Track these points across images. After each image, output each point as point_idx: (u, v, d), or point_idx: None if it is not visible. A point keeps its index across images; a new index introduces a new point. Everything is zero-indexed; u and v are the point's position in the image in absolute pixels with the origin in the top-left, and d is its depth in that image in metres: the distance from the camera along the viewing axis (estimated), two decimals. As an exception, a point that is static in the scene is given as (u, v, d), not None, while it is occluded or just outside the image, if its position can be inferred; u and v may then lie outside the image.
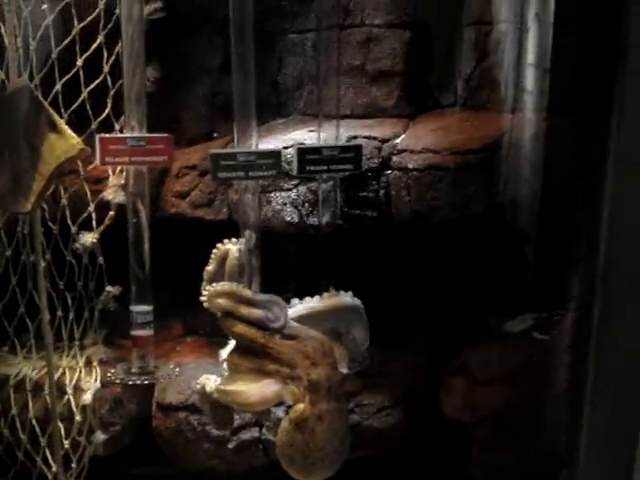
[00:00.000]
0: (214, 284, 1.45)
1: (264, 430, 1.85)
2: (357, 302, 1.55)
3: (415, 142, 1.74)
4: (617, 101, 1.76)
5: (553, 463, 1.90)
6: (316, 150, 1.53)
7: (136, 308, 1.63)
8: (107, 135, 1.56)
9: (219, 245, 1.51)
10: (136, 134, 1.52)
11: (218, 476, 1.95)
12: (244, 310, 1.44)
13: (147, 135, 1.54)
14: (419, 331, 1.93)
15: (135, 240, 1.59)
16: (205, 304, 1.46)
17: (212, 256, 1.50)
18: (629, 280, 1.75)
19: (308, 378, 1.43)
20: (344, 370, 1.49)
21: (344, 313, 1.53)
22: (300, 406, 1.42)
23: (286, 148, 1.63)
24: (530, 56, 1.80)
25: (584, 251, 1.84)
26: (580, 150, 1.81)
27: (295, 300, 1.51)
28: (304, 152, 1.51)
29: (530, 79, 1.80)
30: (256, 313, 1.43)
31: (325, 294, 1.53)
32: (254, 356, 1.45)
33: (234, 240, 1.52)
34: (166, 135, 1.54)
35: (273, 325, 1.44)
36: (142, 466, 1.99)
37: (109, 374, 1.75)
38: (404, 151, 1.73)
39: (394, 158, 1.73)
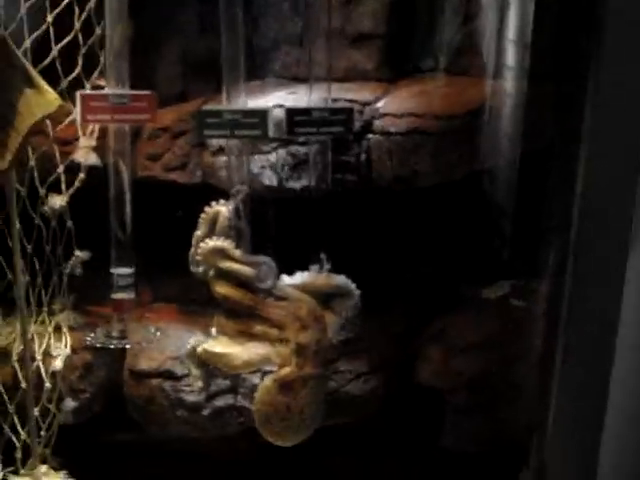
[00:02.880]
0: (207, 240, 1.45)
1: (239, 397, 1.83)
2: (351, 284, 1.58)
3: (397, 106, 1.71)
4: (593, 72, 1.76)
5: (527, 430, 1.92)
6: (306, 111, 1.50)
7: (117, 270, 1.59)
8: (89, 91, 1.50)
9: (207, 208, 1.49)
10: (118, 91, 1.47)
11: (191, 443, 1.93)
12: (235, 267, 1.43)
13: (130, 92, 1.49)
14: (396, 298, 1.92)
15: (116, 200, 1.54)
16: (196, 264, 1.45)
17: (200, 220, 1.49)
18: (599, 250, 1.77)
19: (297, 341, 1.43)
20: (332, 337, 1.50)
21: (336, 289, 1.55)
22: (287, 368, 1.42)
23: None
24: (512, 22, 1.78)
25: (559, 220, 1.84)
26: (560, 119, 1.80)
27: (298, 273, 1.52)
28: (293, 113, 1.48)
29: (511, 45, 1.78)
30: (247, 271, 1.44)
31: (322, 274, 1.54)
32: (241, 318, 1.46)
33: (222, 201, 1.50)
34: (149, 92, 1.50)
35: (262, 285, 1.45)
36: (112, 434, 1.96)
37: (88, 338, 1.71)
38: (386, 115, 1.70)
39: (376, 122, 1.71)
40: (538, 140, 1.80)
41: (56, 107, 1.41)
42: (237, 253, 1.46)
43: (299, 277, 1.54)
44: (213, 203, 1.51)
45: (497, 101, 1.76)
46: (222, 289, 1.46)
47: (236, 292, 1.45)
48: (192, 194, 1.87)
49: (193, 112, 1.79)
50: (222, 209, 1.48)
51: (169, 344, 1.86)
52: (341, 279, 1.57)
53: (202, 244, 1.47)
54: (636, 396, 1.67)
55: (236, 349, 1.45)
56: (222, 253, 1.46)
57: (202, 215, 1.50)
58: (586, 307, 1.81)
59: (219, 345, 1.47)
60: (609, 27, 1.69)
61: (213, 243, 1.46)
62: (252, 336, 1.45)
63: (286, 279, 1.51)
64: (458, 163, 1.71)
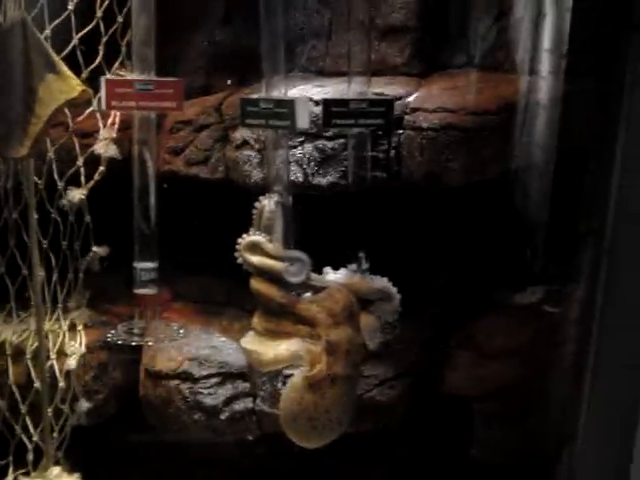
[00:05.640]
0: (244, 235, 1.41)
1: (258, 401, 1.77)
2: (392, 288, 1.55)
3: (429, 101, 1.65)
4: (630, 71, 1.70)
5: (557, 441, 1.84)
6: (343, 103, 1.44)
7: (140, 265, 1.53)
8: (113, 77, 1.44)
9: (257, 204, 1.45)
10: (144, 77, 1.41)
11: (208, 448, 1.87)
12: (265, 262, 1.39)
13: (156, 79, 1.43)
14: (424, 301, 1.85)
15: (141, 192, 1.49)
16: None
17: (253, 217, 1.45)
18: (634, 254, 1.70)
19: (327, 338, 1.39)
20: (368, 342, 1.45)
21: (377, 292, 1.54)
22: (317, 365, 1.38)
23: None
24: (548, 16, 1.72)
25: (594, 223, 1.78)
26: (597, 117, 1.74)
27: (341, 270, 1.51)
28: (330, 104, 1.42)
29: (548, 40, 1.72)
30: (277, 265, 1.39)
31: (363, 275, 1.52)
32: (274, 316, 1.41)
33: (269, 195, 1.46)
34: (177, 79, 1.44)
35: (292, 279, 1.41)
36: (127, 436, 1.90)
37: (109, 335, 1.65)
38: (417, 110, 1.64)
39: (407, 117, 1.64)
40: (573, 140, 1.73)
41: (78, 92, 1.36)
42: (270, 247, 1.42)
43: (340, 275, 1.50)
44: (261, 197, 1.46)
45: (531, 98, 1.70)
46: (256, 285, 1.43)
47: (268, 288, 1.42)
48: (214, 189, 1.82)
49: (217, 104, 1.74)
50: (266, 202, 1.44)
51: (187, 344, 1.80)
52: (382, 282, 1.54)
53: (240, 239, 1.43)
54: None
55: (263, 346, 1.41)
56: (256, 248, 1.42)
57: (254, 211, 1.47)
58: (619, 314, 1.75)
59: (250, 342, 1.44)
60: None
61: (248, 238, 1.42)
62: (283, 334, 1.41)
63: (330, 275, 1.48)
64: (491, 161, 1.65)
